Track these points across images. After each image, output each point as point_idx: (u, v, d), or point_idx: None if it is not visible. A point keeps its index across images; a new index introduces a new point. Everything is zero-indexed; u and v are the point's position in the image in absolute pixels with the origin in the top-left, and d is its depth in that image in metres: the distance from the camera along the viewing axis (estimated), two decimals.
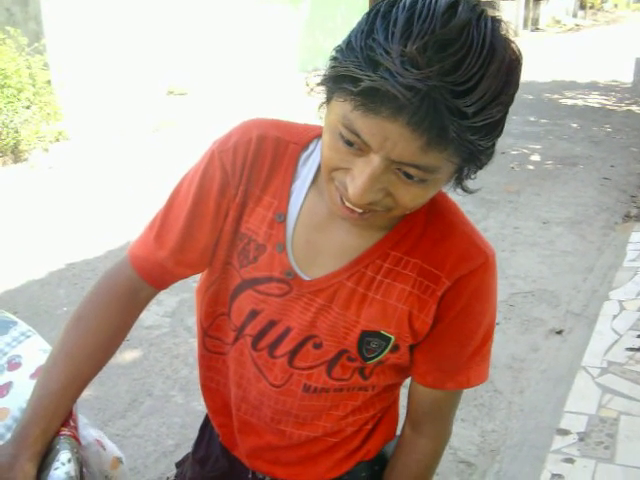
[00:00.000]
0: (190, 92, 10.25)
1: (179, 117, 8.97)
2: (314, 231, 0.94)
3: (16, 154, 6.82)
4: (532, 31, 28.16)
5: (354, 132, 0.73)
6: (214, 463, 1.14)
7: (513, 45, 0.74)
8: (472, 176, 0.82)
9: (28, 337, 1.12)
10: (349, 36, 0.74)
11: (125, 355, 3.24)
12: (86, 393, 3.04)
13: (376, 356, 0.95)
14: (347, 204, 0.80)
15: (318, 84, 0.79)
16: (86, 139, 7.68)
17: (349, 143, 0.75)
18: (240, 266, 0.97)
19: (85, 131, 7.82)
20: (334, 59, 0.75)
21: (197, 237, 0.97)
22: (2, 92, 6.75)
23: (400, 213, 0.83)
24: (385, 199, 0.79)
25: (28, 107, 7.08)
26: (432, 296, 0.91)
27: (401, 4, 0.71)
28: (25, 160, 6.87)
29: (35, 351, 1.08)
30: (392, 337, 0.93)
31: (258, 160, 0.94)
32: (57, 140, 7.45)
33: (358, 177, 0.76)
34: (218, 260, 0.99)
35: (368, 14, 0.74)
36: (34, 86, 7.25)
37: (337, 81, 0.73)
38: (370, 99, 0.70)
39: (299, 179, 0.95)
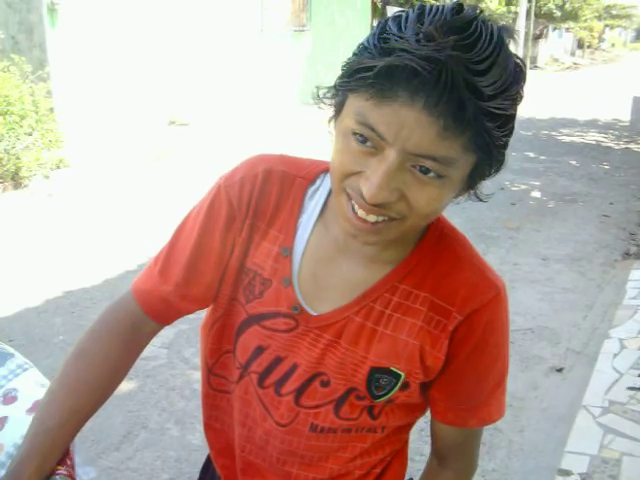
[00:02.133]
0: (192, 123, 10.30)
1: (180, 147, 9.01)
2: (321, 265, 0.92)
3: (16, 180, 6.82)
4: (531, 69, 28.47)
5: (369, 126, 0.73)
6: None
7: (514, 54, 0.76)
8: (485, 179, 0.82)
9: (25, 370, 1.10)
10: (360, 42, 0.76)
11: (121, 386, 3.15)
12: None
13: (385, 394, 0.92)
14: (359, 214, 0.78)
15: (331, 88, 0.79)
16: (87, 167, 7.69)
17: (363, 141, 0.74)
18: (246, 301, 0.96)
19: (86, 159, 7.84)
20: (346, 63, 0.77)
21: (202, 271, 0.95)
22: (5, 119, 6.78)
23: (415, 223, 0.80)
24: (399, 203, 0.76)
25: (30, 134, 7.11)
26: (444, 331, 0.89)
27: (409, 10, 0.74)
28: (25, 187, 6.86)
29: (32, 385, 1.06)
30: (402, 374, 0.91)
31: (264, 194, 0.93)
32: (58, 167, 7.46)
33: (373, 175, 0.74)
34: (223, 296, 0.98)
35: (377, 24, 0.76)
36: (37, 113, 7.28)
37: (352, 75, 0.74)
38: (386, 82, 0.70)
39: (305, 213, 0.94)
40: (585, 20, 38.27)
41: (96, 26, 8.60)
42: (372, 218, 0.78)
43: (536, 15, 30.60)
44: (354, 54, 0.76)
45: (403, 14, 0.73)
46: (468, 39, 0.69)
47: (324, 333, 0.92)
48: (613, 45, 55.00)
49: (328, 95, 0.81)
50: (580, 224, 6.17)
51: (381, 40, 0.71)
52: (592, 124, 12.69)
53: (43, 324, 3.81)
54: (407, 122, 0.70)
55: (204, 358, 1.04)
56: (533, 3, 29.11)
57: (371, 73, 0.70)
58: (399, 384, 0.92)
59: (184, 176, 7.31)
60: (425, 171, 0.74)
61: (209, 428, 1.08)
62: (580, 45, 42.45)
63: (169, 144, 9.08)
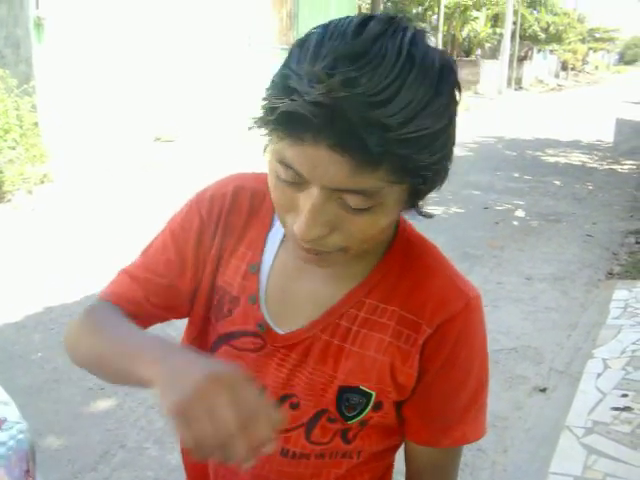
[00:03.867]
0: (178, 139, 10.28)
1: (166, 163, 8.98)
2: (288, 282, 0.90)
3: None
4: (515, 90, 28.80)
5: (288, 165, 0.71)
6: None
7: (442, 54, 0.72)
8: (424, 198, 0.79)
9: None
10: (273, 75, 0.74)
11: (98, 404, 3.14)
12: (56, 443, 2.94)
13: (357, 415, 0.89)
14: (303, 245, 0.76)
15: (250, 128, 0.76)
16: (71, 182, 7.64)
17: (287, 180, 0.72)
18: (216, 321, 0.94)
19: (70, 175, 7.79)
20: (262, 100, 0.74)
21: (174, 282, 0.94)
22: None
23: (356, 250, 0.77)
24: (333, 237, 0.74)
25: (14, 148, 7.06)
26: (414, 346, 0.86)
27: (316, 30, 0.71)
28: (8, 201, 6.80)
29: None
30: (373, 393, 0.88)
31: (234, 212, 0.93)
32: (42, 182, 7.40)
33: (301, 212, 0.72)
34: (197, 315, 0.96)
35: (290, 49, 0.74)
36: (21, 127, 7.24)
37: (263, 117, 0.71)
38: (289, 126, 0.67)
39: (273, 229, 0.93)
40: (569, 43, 38.89)
41: (83, 41, 8.59)
42: (313, 251, 0.77)
43: (521, 37, 31.03)
44: (267, 89, 0.73)
45: (309, 37, 0.70)
46: (364, 68, 0.64)
47: (291, 352, 0.89)
48: (596, 68, 55.78)
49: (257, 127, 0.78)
50: (564, 244, 6.19)
51: (283, 75, 0.69)
52: (576, 145, 12.80)
53: (22, 340, 3.75)
54: (319, 162, 0.67)
55: None
56: (518, 25, 29.53)
57: (274, 117, 0.68)
58: (371, 404, 0.88)
59: (168, 193, 7.27)
60: (354, 204, 0.71)
61: (186, 453, 1.05)
62: (564, 67, 43.01)
63: (154, 160, 9.05)
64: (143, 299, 0.94)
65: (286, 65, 0.70)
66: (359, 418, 0.89)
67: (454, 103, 0.72)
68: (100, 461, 2.74)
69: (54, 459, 2.71)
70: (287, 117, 0.66)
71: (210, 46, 11.01)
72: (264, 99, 0.72)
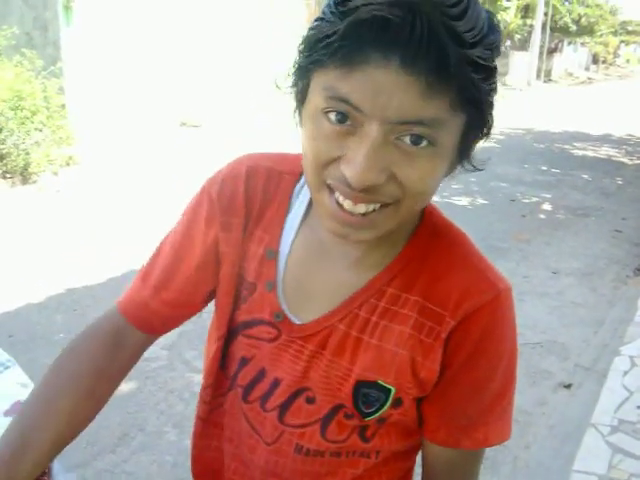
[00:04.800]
0: (203, 124, 10.28)
1: (191, 148, 8.98)
2: (306, 269, 0.84)
3: (25, 176, 6.80)
4: (545, 82, 28.44)
5: (341, 99, 0.64)
6: None
7: None
8: (477, 142, 0.73)
9: (7, 368, 1.04)
10: (317, 16, 0.67)
11: (120, 387, 3.13)
12: None
13: (375, 411, 0.83)
14: (346, 206, 0.69)
15: (292, 69, 0.71)
16: (96, 165, 7.67)
17: (338, 119, 0.65)
18: (234, 309, 0.89)
19: (95, 157, 7.82)
20: (304, 38, 0.68)
21: (183, 271, 0.90)
22: (16, 114, 6.77)
23: (409, 206, 0.70)
24: (389, 185, 0.67)
25: (40, 130, 7.09)
26: (437, 339, 0.79)
27: None
28: (34, 182, 6.84)
29: (12, 384, 1.00)
30: (392, 388, 0.82)
31: (249, 193, 0.86)
32: (67, 164, 7.44)
33: (356, 155, 0.64)
34: (222, 306, 0.90)
35: None
36: (48, 109, 7.27)
37: (313, 47, 0.65)
38: (354, 43, 0.61)
39: (292, 212, 0.87)
40: (600, 35, 38.26)
41: (110, 25, 8.60)
42: (362, 208, 0.68)
43: (552, 29, 30.59)
44: (310, 28, 0.67)
45: None
46: None
47: (307, 344, 0.83)
48: (628, 61, 54.87)
49: (290, 81, 0.73)
50: (592, 238, 6.08)
51: (339, 4, 0.62)
52: (605, 139, 12.59)
53: (44, 321, 3.76)
54: (384, 86, 0.61)
55: (204, 375, 0.96)
56: (549, 17, 29.11)
57: (335, 36, 0.62)
58: (390, 400, 0.82)
59: (193, 177, 7.26)
60: (415, 141, 0.65)
61: (197, 444, 1.00)
62: (595, 60, 42.38)
63: (180, 145, 9.06)
64: (150, 298, 0.91)
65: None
66: (377, 415, 0.84)
67: (498, 51, 0.68)
68: (119, 444, 2.74)
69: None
70: (356, 31, 0.61)
71: (236, 31, 10.97)
72: (307, 36, 0.67)
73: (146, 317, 0.92)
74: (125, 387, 3.15)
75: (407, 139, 0.65)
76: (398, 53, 0.60)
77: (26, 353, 3.36)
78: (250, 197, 0.86)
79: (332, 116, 0.65)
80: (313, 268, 0.84)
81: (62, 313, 3.86)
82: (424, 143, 0.65)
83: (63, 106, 7.73)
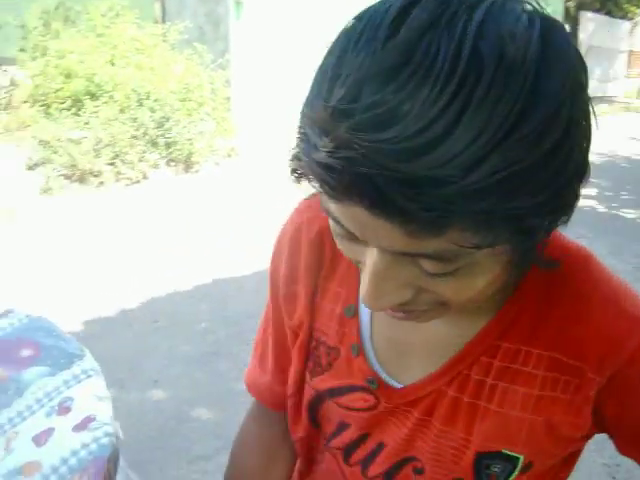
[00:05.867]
0: None
1: None
2: (396, 325, 0.69)
3: (188, 164, 7.08)
4: None
5: (337, 222, 0.51)
6: None
7: (545, 25, 0.46)
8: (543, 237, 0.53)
9: (89, 377, 0.95)
10: None
11: None
12: (205, 415, 2.92)
13: None
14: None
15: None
16: (255, 158, 7.83)
17: (343, 235, 0.53)
18: (311, 375, 0.77)
19: (254, 150, 7.98)
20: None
21: (287, 349, 0.82)
22: (183, 105, 7.05)
23: (458, 306, 0.55)
24: (423, 296, 0.54)
25: (205, 121, 7.35)
26: (577, 394, 0.63)
27: (347, 26, 0.49)
28: (196, 172, 7.11)
29: (88, 397, 0.90)
30: (520, 457, 0.66)
31: (315, 244, 0.74)
32: (229, 155, 7.66)
33: (364, 278, 0.53)
34: (293, 371, 0.80)
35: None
36: (214, 101, 7.52)
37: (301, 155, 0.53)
38: (319, 180, 0.47)
39: None
40: None
41: (277, 22, 8.76)
42: (400, 314, 0.58)
43: None
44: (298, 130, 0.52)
45: (335, 42, 0.49)
46: (399, 92, 0.42)
47: (412, 410, 0.69)
48: None
49: None
50: None
51: (303, 112, 0.49)
52: None
53: (189, 309, 3.82)
54: (366, 222, 0.47)
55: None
56: None
57: (297, 165, 0.52)
58: (518, 468, 0.67)
59: None
60: (429, 271, 0.50)
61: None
62: None
63: None
64: (272, 384, 0.85)
65: (308, 94, 0.50)
66: None
67: (574, 98, 0.46)
68: None
69: (201, 431, 2.69)
70: (316, 170, 0.47)
71: None
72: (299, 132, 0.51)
73: (278, 400, 0.85)
74: None
75: (422, 263, 0.50)
76: (359, 202, 0.45)
77: (168, 339, 3.42)
78: (317, 250, 0.75)
79: (337, 230, 0.53)
80: (405, 323, 0.68)
81: (207, 303, 3.91)
82: (442, 271, 0.50)
83: (228, 98, 7.97)
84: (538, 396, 0.64)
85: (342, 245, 0.55)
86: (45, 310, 1.00)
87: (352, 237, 0.51)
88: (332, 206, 0.50)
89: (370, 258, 0.51)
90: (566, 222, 0.52)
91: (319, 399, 0.76)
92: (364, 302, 0.54)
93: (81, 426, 0.86)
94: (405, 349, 0.70)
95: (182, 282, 4.16)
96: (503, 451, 0.66)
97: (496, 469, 0.67)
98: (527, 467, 0.67)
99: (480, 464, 0.67)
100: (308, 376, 0.77)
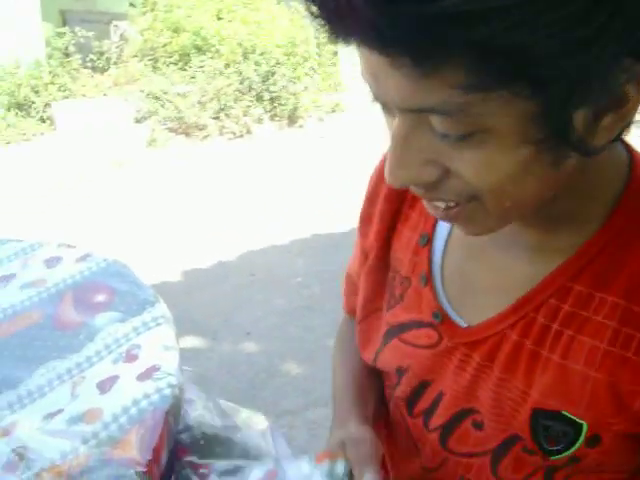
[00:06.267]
0: None
1: None
2: (469, 258, 0.68)
3: (292, 119, 7.08)
4: None
5: (369, 86, 0.50)
6: None
7: None
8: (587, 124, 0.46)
9: (158, 325, 0.93)
10: None
11: None
12: (295, 370, 2.93)
13: (563, 450, 0.60)
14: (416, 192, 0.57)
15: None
16: (360, 113, 7.73)
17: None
18: (387, 308, 0.73)
19: (361, 106, 7.88)
20: None
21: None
22: (289, 59, 7.02)
23: (497, 205, 0.52)
24: (451, 181, 0.51)
25: (311, 76, 7.31)
26: None
27: None
28: (300, 127, 7.11)
29: (156, 346, 0.88)
30: (584, 424, 0.59)
31: None
32: (333, 111, 7.60)
33: (389, 149, 0.52)
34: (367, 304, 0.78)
35: None
36: (319, 56, 7.45)
37: None
38: (326, 22, 0.46)
39: None
40: None
41: None
42: (440, 204, 0.55)
43: None
44: None
45: None
46: None
47: (473, 353, 0.65)
48: None
49: None
50: None
51: None
52: None
53: (285, 263, 3.83)
54: (375, 68, 0.47)
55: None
56: None
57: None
58: (582, 437, 0.59)
59: None
60: (441, 134, 0.48)
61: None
62: None
63: None
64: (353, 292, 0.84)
65: None
66: (566, 454, 0.61)
67: None
68: None
69: (290, 386, 2.70)
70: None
71: None
72: None
73: None
74: None
75: (434, 123, 0.48)
76: (360, 39, 0.45)
77: (263, 292, 3.45)
78: None
79: (373, 96, 0.52)
80: (479, 257, 0.66)
81: (303, 257, 3.91)
82: (454, 132, 0.47)
83: (335, 53, 7.88)
84: (606, 351, 0.57)
85: (387, 123, 0.53)
86: (144, 259, 0.99)
87: (384, 107, 0.51)
88: (362, 66, 0.48)
89: (392, 128, 0.50)
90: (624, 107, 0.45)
91: (389, 335, 0.73)
92: (386, 176, 0.52)
93: (145, 375, 0.84)
94: (474, 285, 0.66)
95: (279, 237, 4.18)
96: (563, 412, 0.59)
97: (555, 431, 0.60)
98: (593, 440, 0.59)
99: (537, 422, 0.61)
100: (385, 307, 0.75)
